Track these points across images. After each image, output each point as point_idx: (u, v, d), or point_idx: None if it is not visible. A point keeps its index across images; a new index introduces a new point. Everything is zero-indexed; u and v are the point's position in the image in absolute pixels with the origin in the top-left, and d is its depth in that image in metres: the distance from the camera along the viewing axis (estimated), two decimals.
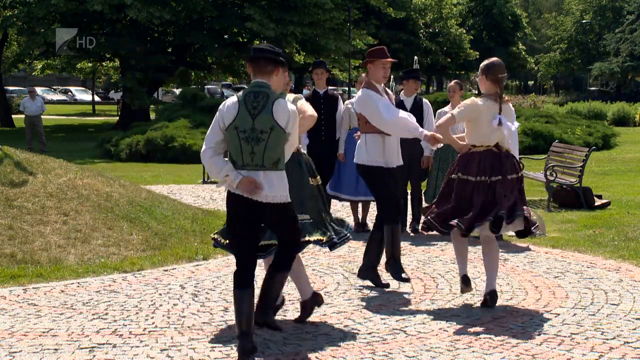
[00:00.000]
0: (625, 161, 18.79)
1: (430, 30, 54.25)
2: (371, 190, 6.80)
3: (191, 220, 9.32)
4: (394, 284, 6.73)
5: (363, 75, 9.58)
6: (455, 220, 5.92)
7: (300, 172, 5.59)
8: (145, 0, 27.59)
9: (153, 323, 5.64)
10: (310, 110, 5.57)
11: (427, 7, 53.77)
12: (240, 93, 4.98)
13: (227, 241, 5.42)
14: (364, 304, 6.18)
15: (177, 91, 43.74)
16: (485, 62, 6.21)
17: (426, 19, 53.57)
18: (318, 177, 5.75)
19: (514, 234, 9.20)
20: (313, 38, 31.47)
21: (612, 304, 6.11)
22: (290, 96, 5.57)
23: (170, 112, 23.23)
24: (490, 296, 6.06)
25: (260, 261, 5.47)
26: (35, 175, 8.97)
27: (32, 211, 8.19)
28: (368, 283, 6.80)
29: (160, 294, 6.47)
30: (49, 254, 7.51)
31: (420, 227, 6.17)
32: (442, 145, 7.17)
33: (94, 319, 5.75)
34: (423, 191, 9.58)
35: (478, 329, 5.52)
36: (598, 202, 11.19)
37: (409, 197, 9.42)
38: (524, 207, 6.13)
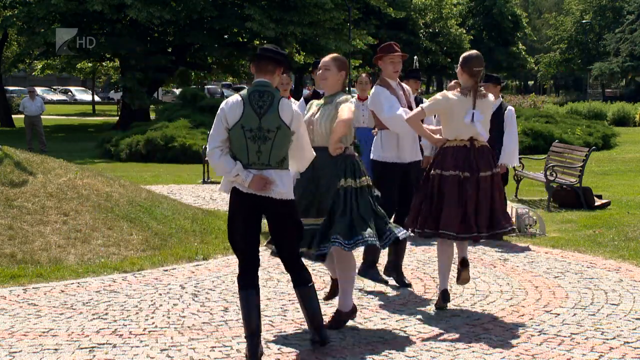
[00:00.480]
0: (625, 161, 18.79)
1: (430, 30, 54.27)
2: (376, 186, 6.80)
3: (191, 220, 9.32)
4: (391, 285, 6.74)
5: (363, 75, 9.59)
6: (444, 231, 5.86)
7: (334, 174, 5.43)
8: (145, 0, 27.60)
9: (153, 323, 5.64)
10: (345, 114, 5.37)
11: (427, 7, 53.78)
12: (244, 92, 4.99)
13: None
14: (364, 304, 6.17)
15: (177, 91, 43.76)
16: (464, 54, 6.13)
17: (426, 19, 53.58)
18: (362, 179, 5.51)
19: (513, 234, 9.23)
20: (313, 38, 31.48)
21: (612, 304, 6.11)
22: (344, 97, 5.52)
23: (170, 112, 23.22)
24: (442, 295, 6.04)
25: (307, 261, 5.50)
26: (35, 175, 8.97)
27: (32, 211, 8.19)
28: (368, 283, 6.80)
29: (160, 294, 6.47)
30: (49, 254, 7.51)
31: (418, 235, 6.11)
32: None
33: (94, 319, 5.75)
34: None
35: (478, 329, 5.52)
36: (598, 202, 11.20)
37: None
38: (503, 209, 6.10)
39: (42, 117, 22.44)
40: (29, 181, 8.78)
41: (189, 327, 5.55)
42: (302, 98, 9.60)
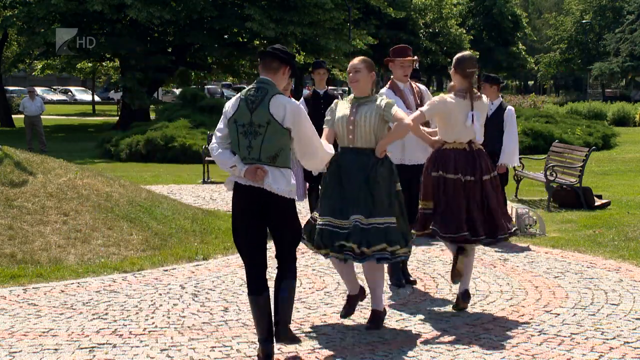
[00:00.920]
0: (625, 161, 18.79)
1: (430, 30, 54.24)
2: None
3: (191, 220, 9.32)
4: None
5: None
6: (452, 234, 5.86)
7: (389, 175, 5.46)
8: (145, 0, 27.59)
9: (153, 323, 5.64)
10: (407, 119, 5.42)
11: (427, 7, 53.74)
12: (245, 89, 5.07)
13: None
14: (364, 304, 6.17)
15: (177, 91, 43.75)
16: (457, 55, 6.13)
17: (426, 19, 53.54)
18: (398, 183, 5.57)
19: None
20: (313, 38, 31.46)
21: (612, 304, 6.11)
22: (391, 100, 5.52)
23: (170, 112, 23.21)
24: (463, 296, 6.03)
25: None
26: (35, 175, 8.97)
27: (32, 211, 8.19)
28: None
29: (160, 294, 6.47)
30: (49, 254, 7.51)
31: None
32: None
33: (94, 319, 5.75)
34: None
35: (478, 329, 5.52)
36: (598, 202, 11.19)
37: None
38: (504, 212, 6.10)
39: (42, 117, 22.44)
40: (29, 181, 8.78)
41: (189, 327, 5.55)
42: (302, 98, 9.61)
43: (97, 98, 57.79)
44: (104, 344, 5.17)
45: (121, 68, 32.67)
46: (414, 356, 4.97)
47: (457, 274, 6.10)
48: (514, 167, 11.30)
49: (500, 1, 62.95)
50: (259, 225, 4.95)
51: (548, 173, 11.25)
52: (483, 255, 7.98)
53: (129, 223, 8.52)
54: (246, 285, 5.00)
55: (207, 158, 15.03)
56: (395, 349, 5.09)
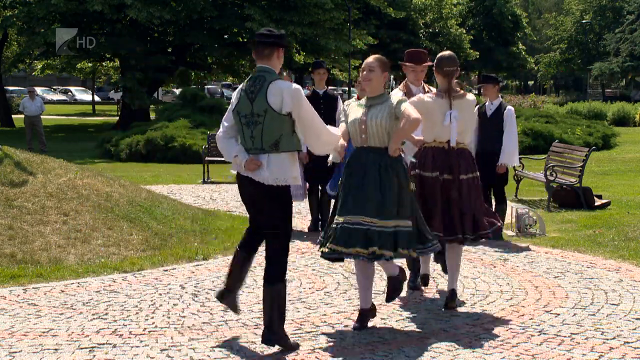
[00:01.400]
0: (625, 161, 18.79)
1: (430, 30, 54.25)
2: None
3: (191, 220, 9.32)
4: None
5: None
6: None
7: (405, 176, 5.42)
8: (145, 0, 27.59)
9: (153, 323, 5.64)
10: (414, 113, 5.32)
11: (427, 7, 53.75)
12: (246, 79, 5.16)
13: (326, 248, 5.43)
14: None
15: (177, 91, 43.75)
16: (437, 55, 6.17)
17: (426, 19, 53.56)
18: (413, 184, 5.57)
19: (514, 234, 9.24)
20: (313, 38, 31.46)
21: (612, 304, 6.11)
22: (402, 97, 5.49)
23: (170, 112, 23.21)
24: (449, 295, 6.03)
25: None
26: (35, 175, 8.97)
27: (32, 211, 8.19)
28: None
29: (160, 294, 6.47)
30: (49, 254, 7.51)
31: None
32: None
33: (94, 319, 5.75)
34: None
35: (478, 329, 5.52)
36: (598, 202, 11.20)
37: None
38: (485, 210, 6.11)
39: (42, 117, 22.44)
40: (29, 181, 8.78)
41: (189, 327, 5.55)
42: None
43: (97, 98, 57.78)
44: (104, 344, 5.17)
45: (121, 68, 32.67)
46: (414, 356, 4.97)
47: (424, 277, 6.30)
48: (514, 167, 11.30)
49: (500, 1, 62.97)
50: (253, 212, 5.20)
51: (548, 173, 11.25)
52: (483, 255, 7.98)
53: (129, 223, 8.52)
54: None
55: (207, 158, 15.04)
56: (395, 349, 5.09)
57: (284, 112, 4.89)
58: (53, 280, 6.88)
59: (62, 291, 6.55)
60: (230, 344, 5.17)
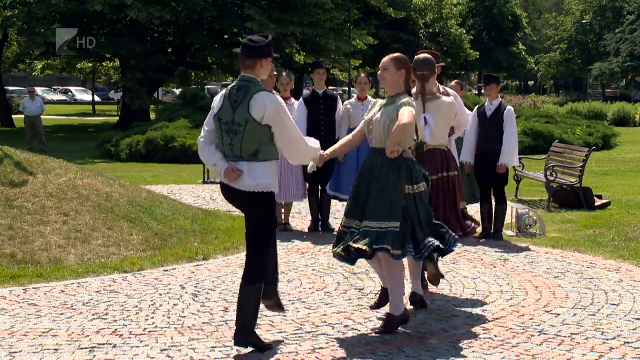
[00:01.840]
0: (625, 161, 18.79)
1: (430, 30, 54.24)
2: None
3: (191, 220, 9.32)
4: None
5: (362, 75, 9.59)
6: None
7: (396, 178, 5.34)
8: (145, 0, 27.59)
9: (153, 323, 5.64)
10: (405, 118, 5.23)
11: (427, 7, 53.75)
12: (229, 86, 5.15)
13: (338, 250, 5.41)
14: (364, 304, 6.18)
15: (177, 91, 43.75)
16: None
17: (426, 19, 53.55)
18: (419, 185, 5.43)
19: (513, 234, 9.24)
20: (313, 38, 31.47)
21: (612, 304, 6.11)
22: (406, 99, 5.40)
23: (170, 112, 23.22)
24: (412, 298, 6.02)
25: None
26: (35, 175, 8.97)
27: (32, 211, 8.19)
28: (367, 283, 6.81)
29: (160, 294, 6.47)
30: (49, 254, 7.51)
31: None
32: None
33: (94, 319, 5.75)
34: None
35: (478, 329, 5.52)
36: (598, 202, 11.19)
37: None
38: (455, 213, 6.13)
39: (42, 117, 22.44)
40: (29, 181, 8.78)
41: (189, 327, 5.54)
42: (300, 98, 9.61)
43: (97, 98, 57.78)
44: (104, 344, 5.17)
45: (121, 68, 32.67)
46: (414, 356, 4.97)
47: (433, 278, 6.23)
48: (514, 167, 11.30)
49: (500, 1, 62.96)
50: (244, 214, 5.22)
51: (548, 173, 11.25)
52: (483, 255, 7.98)
53: (129, 223, 8.52)
54: None
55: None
56: (395, 349, 5.09)
57: (264, 123, 4.91)
58: (53, 280, 6.88)
59: (62, 291, 6.55)
60: (230, 344, 5.17)
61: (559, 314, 5.85)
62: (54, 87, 65.38)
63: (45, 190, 8.67)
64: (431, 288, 6.67)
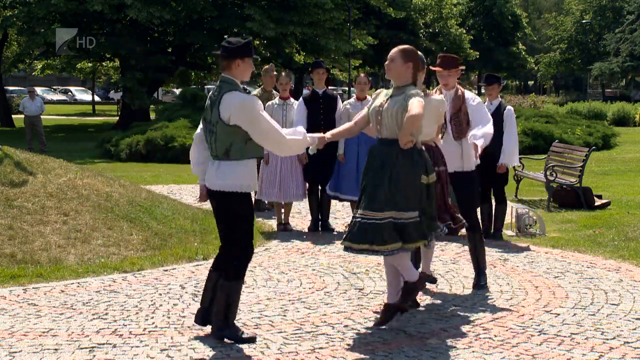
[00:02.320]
0: (625, 161, 18.79)
1: (430, 30, 54.23)
2: None
3: (191, 220, 9.32)
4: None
5: (362, 75, 9.59)
6: None
7: (413, 168, 5.34)
8: (145, 0, 27.59)
9: (153, 323, 5.64)
10: (415, 109, 5.20)
11: (427, 7, 53.73)
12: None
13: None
14: (364, 304, 6.18)
15: (177, 91, 43.74)
16: None
17: (426, 19, 53.53)
18: (432, 175, 5.48)
19: (513, 234, 9.24)
20: (313, 38, 31.46)
21: (612, 304, 6.11)
22: (415, 91, 5.37)
23: (170, 112, 23.22)
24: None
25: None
26: (35, 175, 8.97)
27: (32, 211, 8.19)
28: (367, 283, 6.81)
29: (160, 294, 6.47)
30: (49, 254, 7.51)
31: None
32: None
33: (94, 319, 5.75)
34: None
35: (478, 329, 5.52)
36: (598, 202, 11.19)
37: None
38: (442, 209, 6.16)
39: (42, 117, 22.44)
40: (29, 181, 8.78)
41: (189, 327, 5.54)
42: (301, 98, 9.61)
43: (97, 98, 57.77)
44: (104, 344, 5.17)
45: (121, 68, 32.66)
46: (414, 356, 4.97)
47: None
48: (514, 167, 11.30)
49: (500, 1, 62.96)
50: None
51: (548, 173, 11.25)
52: None
53: (129, 223, 8.52)
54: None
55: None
56: (395, 349, 5.09)
57: (231, 123, 5.03)
58: (53, 280, 6.88)
59: (62, 291, 6.55)
60: (230, 344, 5.17)
61: (559, 314, 5.85)
62: (54, 87, 65.37)
63: (45, 190, 8.67)
64: (431, 288, 6.68)
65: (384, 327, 5.53)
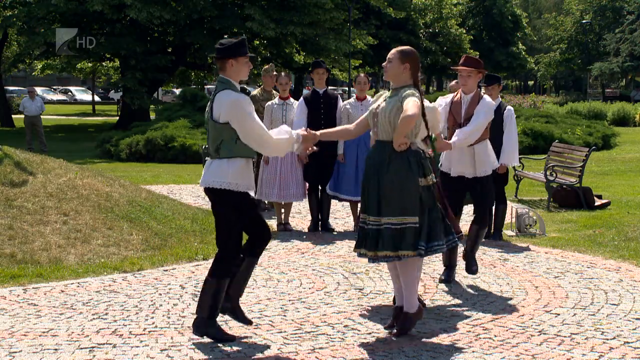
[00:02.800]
0: (625, 161, 18.79)
1: (430, 30, 54.25)
2: None
3: (191, 220, 9.32)
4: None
5: (361, 75, 9.60)
6: None
7: (409, 171, 5.26)
8: (145, 0, 27.59)
9: (153, 323, 5.64)
10: (410, 109, 5.13)
11: (427, 7, 53.76)
12: None
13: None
14: (364, 304, 6.18)
15: (177, 91, 43.73)
16: None
17: (426, 19, 53.56)
18: (431, 177, 5.37)
19: (513, 234, 9.24)
20: (313, 38, 31.44)
21: (612, 304, 6.11)
22: (410, 91, 5.31)
23: (170, 112, 23.21)
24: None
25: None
26: (35, 175, 8.97)
27: (32, 211, 8.19)
28: (367, 283, 6.81)
29: (160, 294, 6.47)
30: (49, 254, 7.51)
31: None
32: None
33: (94, 319, 5.75)
34: None
35: (478, 329, 5.52)
36: (598, 202, 11.19)
37: None
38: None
39: (42, 117, 22.43)
40: (29, 181, 8.78)
41: (189, 327, 5.54)
42: (301, 98, 9.61)
43: (97, 98, 57.76)
44: (104, 344, 5.17)
45: (121, 68, 32.66)
46: (414, 356, 4.98)
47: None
48: (514, 167, 11.30)
49: (500, 1, 62.98)
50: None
51: (548, 173, 11.25)
52: (483, 255, 7.98)
53: (129, 223, 8.52)
54: None
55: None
56: (395, 349, 5.09)
57: (221, 121, 5.14)
58: (53, 280, 6.88)
59: (62, 291, 6.55)
60: (230, 344, 5.17)
61: (559, 314, 5.85)
62: (54, 87, 65.35)
63: (45, 190, 8.67)
64: (432, 288, 6.67)
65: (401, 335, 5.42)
